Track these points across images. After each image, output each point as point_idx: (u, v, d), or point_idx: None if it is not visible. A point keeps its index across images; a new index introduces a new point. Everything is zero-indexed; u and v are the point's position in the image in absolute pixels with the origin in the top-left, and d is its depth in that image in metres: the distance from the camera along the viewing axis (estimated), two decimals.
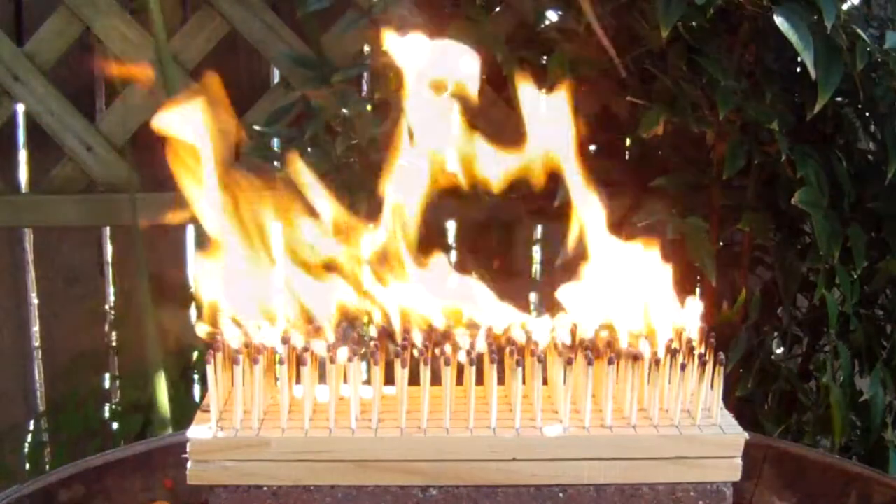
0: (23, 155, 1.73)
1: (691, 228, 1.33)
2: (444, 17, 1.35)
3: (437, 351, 0.83)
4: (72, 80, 1.67)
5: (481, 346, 0.85)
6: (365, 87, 1.73)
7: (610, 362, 0.83)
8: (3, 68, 1.59)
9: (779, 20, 1.11)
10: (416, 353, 0.83)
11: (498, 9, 1.56)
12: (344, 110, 1.41)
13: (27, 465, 1.76)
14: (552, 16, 1.40)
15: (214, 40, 1.64)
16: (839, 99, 1.34)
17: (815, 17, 1.13)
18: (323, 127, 1.43)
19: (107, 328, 1.77)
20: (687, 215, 1.34)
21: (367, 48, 1.65)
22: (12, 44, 1.60)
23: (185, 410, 1.57)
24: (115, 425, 1.75)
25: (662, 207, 1.39)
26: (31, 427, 1.78)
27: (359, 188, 1.42)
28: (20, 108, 1.68)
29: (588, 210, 0.94)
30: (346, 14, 1.58)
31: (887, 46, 1.14)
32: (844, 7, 1.16)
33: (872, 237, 1.38)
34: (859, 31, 1.16)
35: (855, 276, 1.32)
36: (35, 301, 1.78)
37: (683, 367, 0.83)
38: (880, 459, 1.41)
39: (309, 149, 1.41)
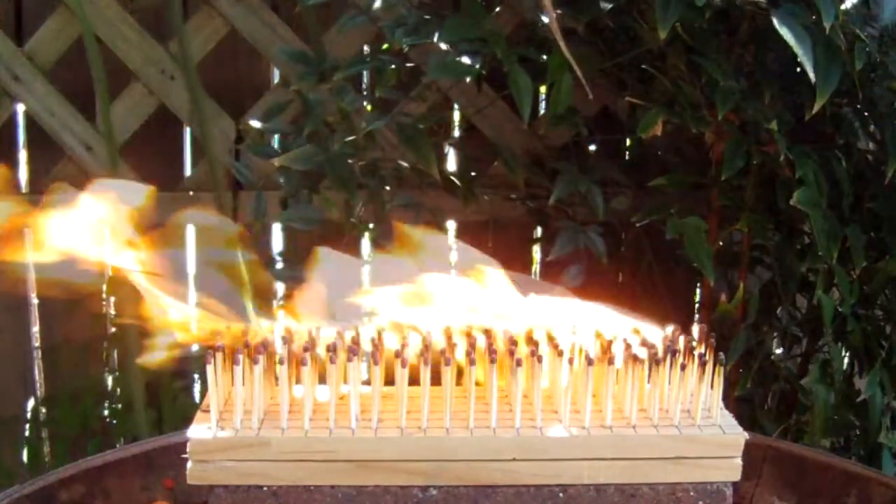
0: (23, 155, 1.73)
1: (690, 228, 1.33)
2: (444, 14, 1.35)
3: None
4: (72, 80, 1.67)
5: (481, 346, 0.85)
6: (364, 84, 1.73)
7: (610, 362, 0.83)
8: (3, 68, 1.59)
9: (777, 23, 1.11)
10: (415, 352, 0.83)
11: (498, 9, 1.56)
12: (342, 106, 1.41)
13: (27, 466, 1.76)
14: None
15: (214, 40, 1.64)
16: (838, 99, 1.34)
17: (814, 18, 1.13)
18: (321, 123, 1.43)
19: (107, 329, 1.78)
20: (686, 215, 1.34)
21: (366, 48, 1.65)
22: (12, 44, 1.60)
23: (184, 410, 1.58)
24: (113, 424, 1.75)
25: (661, 207, 1.39)
26: (29, 427, 1.78)
27: (356, 185, 1.43)
28: (20, 108, 1.68)
29: None
30: (345, 13, 1.58)
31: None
32: (843, 7, 1.16)
33: (872, 237, 1.38)
34: (858, 31, 1.16)
35: (854, 277, 1.33)
36: (35, 301, 1.78)
37: (683, 367, 0.83)
38: (878, 460, 1.41)
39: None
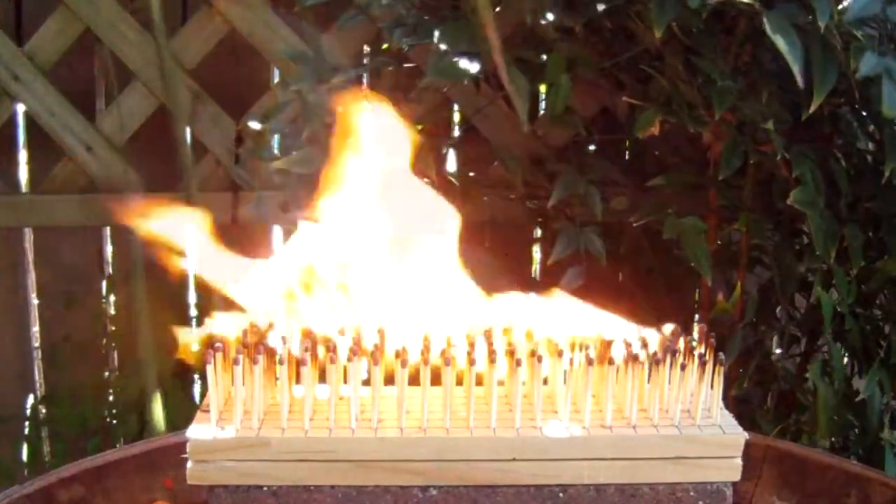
0: (23, 155, 1.73)
1: (687, 228, 1.33)
2: (443, 15, 1.35)
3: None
4: (72, 80, 1.67)
5: (481, 346, 0.86)
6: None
7: (610, 362, 0.83)
8: (3, 68, 1.59)
9: (767, 27, 1.11)
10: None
11: (498, 9, 1.56)
12: (339, 108, 1.41)
13: (26, 466, 1.76)
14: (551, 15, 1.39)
15: (214, 40, 1.64)
16: (836, 99, 1.34)
17: (810, 18, 1.13)
18: (320, 125, 1.43)
19: (106, 328, 1.78)
20: (685, 215, 1.34)
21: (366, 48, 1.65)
22: (12, 44, 1.60)
23: (184, 410, 1.58)
24: (113, 424, 1.75)
25: (660, 207, 1.39)
26: (29, 426, 1.78)
27: None
28: (20, 108, 1.68)
29: None
30: (345, 13, 1.58)
31: (863, 73, 1.13)
32: (840, 7, 1.16)
33: (871, 237, 1.38)
34: (853, 31, 1.15)
35: (852, 277, 1.32)
36: (35, 301, 1.78)
37: (683, 367, 0.83)
38: (878, 459, 1.41)
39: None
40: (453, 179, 1.53)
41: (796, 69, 1.10)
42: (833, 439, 1.45)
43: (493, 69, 1.27)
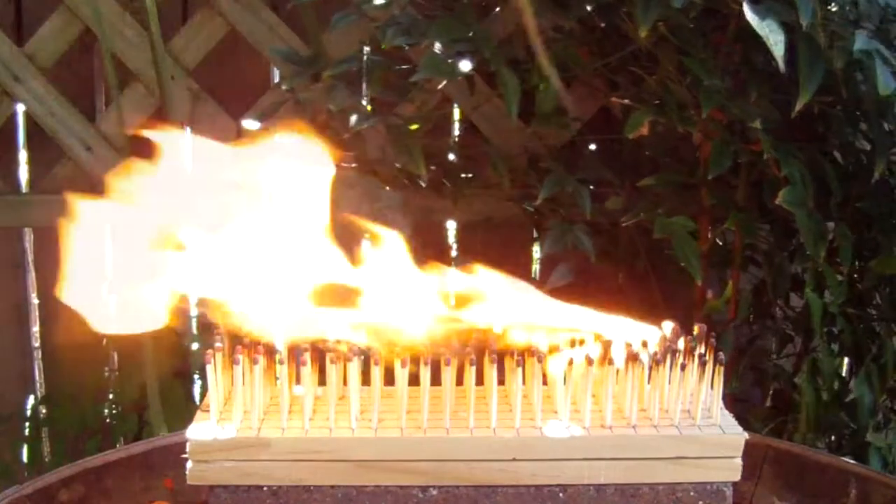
0: (23, 155, 1.73)
1: (677, 227, 1.33)
2: (437, 15, 1.36)
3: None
4: (72, 80, 1.67)
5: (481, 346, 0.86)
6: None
7: (610, 363, 0.83)
8: (3, 68, 1.59)
9: (749, 16, 1.11)
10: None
11: (498, 9, 1.56)
12: (330, 106, 1.41)
13: (26, 467, 1.76)
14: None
15: (214, 40, 1.64)
16: (828, 98, 1.34)
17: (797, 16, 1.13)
18: (313, 123, 1.43)
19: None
20: (676, 215, 1.34)
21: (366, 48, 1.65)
22: (12, 44, 1.60)
23: (183, 410, 1.58)
24: (113, 424, 1.75)
25: (651, 207, 1.39)
26: (29, 426, 1.78)
27: (345, 184, 1.42)
28: (20, 108, 1.68)
29: None
30: (340, 11, 1.58)
31: (857, 48, 1.12)
32: (831, 7, 1.15)
33: (864, 236, 1.37)
34: (838, 29, 1.15)
35: (843, 276, 1.32)
36: (35, 301, 1.78)
37: (683, 367, 0.83)
38: (865, 460, 1.41)
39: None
40: (444, 179, 1.53)
41: (778, 55, 1.10)
42: (831, 438, 1.45)
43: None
